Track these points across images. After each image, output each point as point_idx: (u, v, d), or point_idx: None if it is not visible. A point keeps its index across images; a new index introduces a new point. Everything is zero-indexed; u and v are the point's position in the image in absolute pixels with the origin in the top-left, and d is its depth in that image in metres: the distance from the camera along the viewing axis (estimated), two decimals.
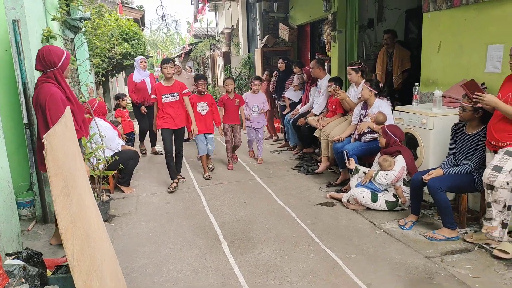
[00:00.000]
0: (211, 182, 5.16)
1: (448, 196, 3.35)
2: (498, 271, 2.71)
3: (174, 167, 4.94)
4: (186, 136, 5.61)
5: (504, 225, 2.98)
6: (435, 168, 3.38)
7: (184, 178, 5.29)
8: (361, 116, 4.43)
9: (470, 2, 3.97)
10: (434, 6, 4.50)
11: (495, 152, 2.93)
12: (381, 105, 4.29)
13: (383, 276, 2.72)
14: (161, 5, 15.12)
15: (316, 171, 5.20)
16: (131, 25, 8.76)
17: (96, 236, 1.78)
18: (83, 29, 4.58)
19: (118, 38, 6.46)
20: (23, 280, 1.62)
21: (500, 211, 2.90)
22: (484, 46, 3.83)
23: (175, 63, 8.79)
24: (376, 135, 4.21)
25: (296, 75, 6.88)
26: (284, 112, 6.90)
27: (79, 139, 3.04)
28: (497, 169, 2.80)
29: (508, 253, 2.83)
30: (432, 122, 3.71)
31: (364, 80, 4.61)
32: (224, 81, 5.73)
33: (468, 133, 3.26)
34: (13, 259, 1.81)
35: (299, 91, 6.69)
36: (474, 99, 2.94)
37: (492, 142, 2.95)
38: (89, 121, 4.23)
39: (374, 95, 4.34)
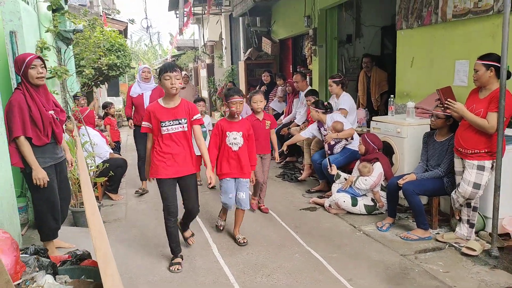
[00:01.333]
0: (200, 189, 5.30)
1: (422, 200, 3.63)
2: (466, 267, 2.97)
3: (178, 237, 3.21)
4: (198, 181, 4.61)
5: (471, 225, 3.27)
6: (409, 173, 3.66)
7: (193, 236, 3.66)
8: (323, 133, 4.73)
9: (438, 21, 4.34)
10: (407, 24, 4.87)
11: (461, 158, 3.22)
12: (333, 117, 4.61)
13: (363, 272, 2.94)
14: (146, 18, 15.25)
15: (299, 178, 5.44)
16: (117, 36, 8.89)
17: (104, 235, 1.93)
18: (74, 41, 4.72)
19: (104, 49, 6.57)
20: (37, 269, 1.75)
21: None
22: (452, 62, 4.18)
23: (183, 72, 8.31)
24: (344, 142, 4.49)
25: (280, 87, 7.16)
26: None
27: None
28: (477, 186, 3.09)
29: (475, 250, 3.10)
30: (406, 131, 4.01)
31: (343, 92, 4.92)
32: (250, 98, 4.07)
33: (438, 141, 3.56)
34: (22, 254, 1.93)
35: (283, 102, 6.97)
36: (445, 105, 3.21)
37: (459, 149, 3.24)
38: (78, 128, 4.34)
39: (322, 114, 4.65)
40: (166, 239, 3.18)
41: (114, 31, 8.95)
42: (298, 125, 5.95)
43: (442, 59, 4.35)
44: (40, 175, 2.79)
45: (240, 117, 3.51)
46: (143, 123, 3.00)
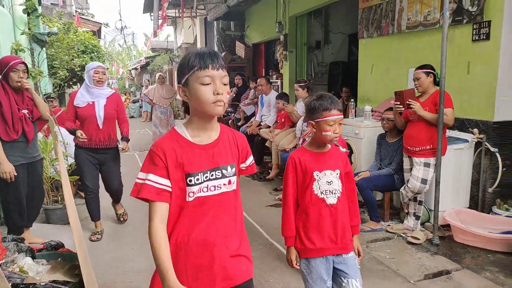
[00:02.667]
0: None
1: (377, 195, 3.98)
2: (410, 254, 3.31)
3: None
4: None
5: (417, 217, 3.63)
6: (364, 171, 4.00)
7: None
8: (304, 126, 5.02)
9: (394, 32, 4.73)
10: (367, 33, 5.25)
11: (409, 156, 3.59)
12: None
13: None
14: (120, 19, 15.21)
15: (267, 177, 5.73)
16: (90, 37, 8.93)
17: (80, 231, 2.13)
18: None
19: (78, 52, 6.64)
20: (17, 253, 1.92)
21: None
22: (406, 70, 4.57)
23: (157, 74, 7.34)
24: None
25: (252, 90, 7.45)
26: (239, 124, 7.41)
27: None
28: (424, 181, 3.47)
29: (419, 239, 3.46)
30: (363, 132, 4.36)
31: (308, 95, 5.23)
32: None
33: (390, 142, 3.92)
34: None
35: (253, 106, 7.25)
36: (407, 104, 3.54)
37: (408, 148, 3.60)
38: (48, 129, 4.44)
39: None
40: (136, 235, 3.36)
41: (87, 32, 8.99)
42: (269, 126, 6.24)
43: (397, 67, 4.74)
44: (7, 169, 2.93)
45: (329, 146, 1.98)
46: (151, 177, 1.32)
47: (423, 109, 3.42)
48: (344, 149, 3.12)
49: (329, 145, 1.96)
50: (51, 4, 11.05)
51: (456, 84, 3.83)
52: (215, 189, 1.39)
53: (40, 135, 4.29)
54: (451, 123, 3.39)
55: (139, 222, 4.23)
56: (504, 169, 3.60)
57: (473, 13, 3.66)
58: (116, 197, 4.12)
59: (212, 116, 1.36)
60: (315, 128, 1.93)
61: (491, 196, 3.70)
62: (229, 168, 1.41)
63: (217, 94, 1.29)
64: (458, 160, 3.67)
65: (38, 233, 3.58)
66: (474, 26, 3.67)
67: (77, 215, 2.28)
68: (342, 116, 1.92)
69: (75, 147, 3.68)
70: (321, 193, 1.90)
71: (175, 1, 8.97)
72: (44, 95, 5.41)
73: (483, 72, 3.64)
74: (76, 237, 1.80)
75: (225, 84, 1.33)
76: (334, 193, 1.91)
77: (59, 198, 4.08)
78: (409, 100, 3.51)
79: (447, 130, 3.66)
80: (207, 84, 1.29)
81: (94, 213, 3.87)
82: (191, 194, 1.36)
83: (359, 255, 2.01)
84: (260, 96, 6.63)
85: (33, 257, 2.06)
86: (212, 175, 1.38)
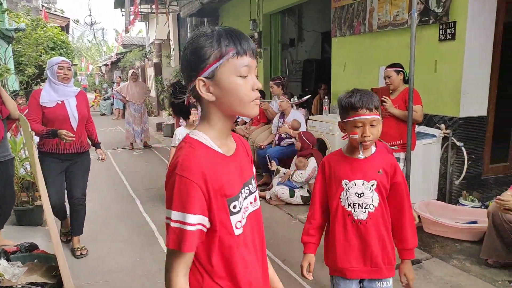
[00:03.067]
0: (145, 186, 5.44)
1: None
2: None
3: None
4: None
5: None
6: None
7: None
8: (280, 123, 5.10)
9: (366, 31, 4.86)
10: (340, 32, 5.37)
11: None
12: (296, 115, 5.00)
13: (296, 254, 3.30)
14: (90, 15, 14.80)
15: None
16: (59, 33, 8.66)
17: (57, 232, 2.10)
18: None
19: (46, 47, 6.42)
20: None
21: None
22: (377, 68, 4.71)
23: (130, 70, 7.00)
24: (292, 140, 4.89)
25: None
26: None
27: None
28: None
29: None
30: (337, 129, 4.46)
31: (282, 93, 5.30)
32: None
33: None
34: None
35: None
36: (381, 100, 3.66)
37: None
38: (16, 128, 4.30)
39: (290, 106, 5.03)
40: (113, 235, 3.32)
41: (56, 28, 8.70)
42: (245, 123, 6.27)
43: (368, 65, 4.88)
44: None
45: (372, 150, 1.70)
46: (190, 219, 0.96)
47: (393, 106, 3.55)
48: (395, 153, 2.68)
49: (372, 149, 1.66)
50: None
51: (424, 82, 3.99)
52: (246, 212, 1.08)
53: (7, 134, 4.15)
54: (420, 119, 3.54)
55: (114, 220, 4.18)
56: (469, 162, 3.81)
57: (439, 14, 3.82)
58: (76, 216, 3.38)
59: (235, 118, 1.10)
60: (345, 130, 1.68)
61: (458, 188, 3.90)
62: (253, 181, 1.13)
63: (256, 89, 1.02)
64: (427, 154, 3.84)
65: (9, 235, 3.46)
66: (441, 27, 3.84)
67: (52, 216, 2.24)
68: (376, 116, 1.59)
69: (39, 154, 3.10)
70: (349, 205, 1.65)
71: None
72: (12, 92, 5.21)
73: (449, 70, 3.82)
74: (54, 237, 1.78)
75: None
76: (365, 208, 1.64)
77: (30, 199, 3.96)
78: (384, 97, 3.64)
79: (416, 126, 3.81)
80: (245, 76, 0.99)
81: (75, 230, 3.40)
82: (238, 225, 1.03)
83: (408, 284, 1.70)
84: None
85: (8, 260, 2.01)
86: (245, 193, 1.08)
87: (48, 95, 3.17)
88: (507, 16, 3.92)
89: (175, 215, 0.95)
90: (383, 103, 3.58)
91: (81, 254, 3.32)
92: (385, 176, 1.64)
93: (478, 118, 3.88)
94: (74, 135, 3.12)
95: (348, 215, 1.66)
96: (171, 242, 0.96)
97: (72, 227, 3.41)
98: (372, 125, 1.59)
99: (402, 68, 3.57)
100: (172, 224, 0.96)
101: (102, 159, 3.53)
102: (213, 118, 1.04)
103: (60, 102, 3.20)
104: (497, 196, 2.79)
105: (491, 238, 2.90)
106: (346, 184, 1.65)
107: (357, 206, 1.65)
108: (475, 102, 3.83)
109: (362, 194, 1.64)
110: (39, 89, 3.28)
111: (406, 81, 3.53)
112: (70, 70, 3.23)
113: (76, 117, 3.24)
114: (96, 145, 3.57)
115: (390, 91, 3.69)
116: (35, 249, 2.33)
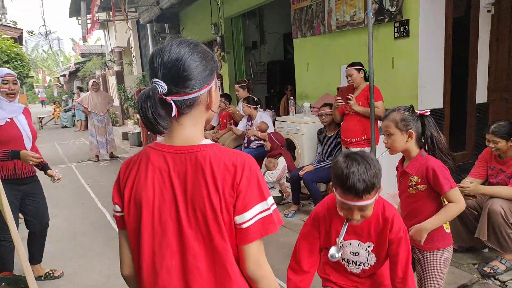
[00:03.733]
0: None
1: (321, 187, 4.18)
2: None
3: None
4: None
5: None
6: (308, 165, 4.19)
7: None
8: (248, 126, 5.14)
9: (326, 32, 4.99)
10: (301, 33, 5.48)
11: (347, 147, 3.83)
12: (263, 116, 5.06)
13: (271, 253, 3.34)
14: (44, 24, 14.25)
15: None
16: (12, 45, 8.30)
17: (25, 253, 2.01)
18: None
19: (1, 62, 6.13)
20: None
21: None
22: (338, 67, 4.85)
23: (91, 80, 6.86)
24: (261, 141, 4.94)
25: None
26: None
27: None
28: None
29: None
30: (304, 128, 4.56)
31: (242, 99, 5.33)
32: None
33: (329, 135, 4.15)
34: None
35: None
36: (346, 98, 3.75)
37: (345, 139, 3.84)
38: None
39: (253, 109, 5.07)
40: (83, 251, 3.19)
41: (8, 40, 8.33)
42: (213, 127, 6.26)
43: (330, 65, 5.02)
44: None
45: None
46: (269, 200, 1.06)
47: (357, 103, 3.67)
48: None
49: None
50: None
51: (384, 78, 4.15)
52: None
53: None
54: (382, 114, 3.68)
55: (83, 236, 4.05)
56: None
57: (393, 12, 4.00)
58: (41, 242, 3.16)
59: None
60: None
61: None
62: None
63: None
64: None
65: None
66: (395, 25, 4.01)
67: (19, 237, 2.15)
68: (367, 202, 1.39)
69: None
70: (342, 259, 1.61)
71: (104, 4, 8.62)
72: None
73: (406, 66, 4.00)
74: (23, 258, 1.71)
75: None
76: (359, 265, 1.60)
77: None
78: (350, 95, 3.75)
79: (379, 122, 3.96)
80: None
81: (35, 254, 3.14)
82: None
83: None
84: None
85: None
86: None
87: None
88: (456, 12, 4.15)
89: (269, 201, 1.04)
90: (348, 101, 3.70)
91: (60, 274, 3.17)
92: (381, 237, 1.52)
93: (435, 111, 4.07)
94: (40, 156, 2.81)
95: (342, 266, 1.63)
96: (263, 231, 1.03)
97: (32, 255, 3.10)
98: (361, 210, 1.42)
99: (362, 66, 3.70)
100: (267, 212, 1.03)
101: (58, 179, 3.05)
102: (202, 124, 1.11)
103: (9, 120, 2.83)
104: (457, 184, 2.95)
105: (454, 224, 3.05)
106: (341, 242, 1.53)
107: (351, 262, 1.61)
108: (431, 95, 4.02)
109: (357, 253, 1.58)
110: None
111: (366, 78, 3.66)
112: (16, 84, 2.87)
113: (30, 136, 2.92)
114: (44, 167, 3.03)
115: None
116: (3, 271, 2.22)
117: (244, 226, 1.01)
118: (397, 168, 2.03)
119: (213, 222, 1.00)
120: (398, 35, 4.01)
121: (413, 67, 3.93)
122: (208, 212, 0.99)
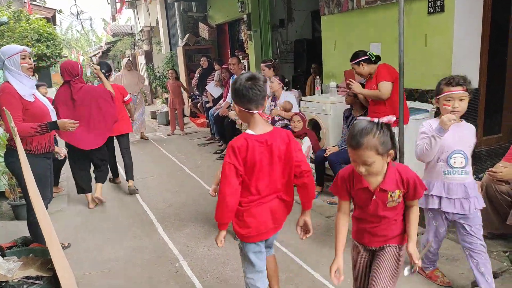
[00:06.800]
0: (142, 176, 5.43)
1: None
2: None
3: None
4: None
5: None
6: (333, 146, 4.11)
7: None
8: (272, 106, 5.07)
9: (354, 8, 4.79)
10: (329, 10, 5.29)
11: None
12: (287, 96, 4.97)
13: (293, 234, 3.33)
14: (75, 4, 14.51)
15: None
16: (45, 25, 8.48)
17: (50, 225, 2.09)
18: None
19: (32, 41, 6.30)
20: None
21: None
22: (367, 44, 4.66)
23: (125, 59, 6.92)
24: (285, 121, 4.87)
25: (217, 72, 7.38)
26: (208, 106, 7.37)
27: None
28: None
29: None
30: (329, 108, 4.45)
31: (274, 75, 5.25)
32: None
33: (355, 116, 4.03)
34: None
35: (219, 87, 7.21)
36: (347, 83, 3.67)
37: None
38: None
39: (281, 88, 4.99)
40: (112, 224, 3.33)
41: (41, 19, 8.52)
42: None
43: (359, 42, 4.82)
44: None
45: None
46: None
47: (371, 88, 3.54)
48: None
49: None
50: None
51: (415, 56, 3.96)
52: None
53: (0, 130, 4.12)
54: (384, 96, 3.47)
55: (112, 210, 4.19)
56: None
57: None
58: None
59: None
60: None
61: None
62: None
63: None
64: (419, 130, 3.83)
65: (6, 231, 3.49)
66: None
67: (45, 210, 2.24)
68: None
69: (29, 156, 2.47)
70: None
71: None
72: None
73: (440, 43, 3.78)
74: (46, 231, 1.78)
75: None
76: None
77: (25, 194, 3.95)
78: (350, 80, 3.63)
79: (409, 102, 3.80)
80: None
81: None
82: None
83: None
84: (231, 77, 6.58)
85: (3, 255, 2.02)
86: None
87: (22, 89, 2.77)
88: None
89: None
90: (349, 86, 3.59)
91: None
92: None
93: (470, 91, 3.86)
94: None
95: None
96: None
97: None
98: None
99: (360, 56, 3.53)
100: None
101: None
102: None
103: (33, 95, 2.89)
104: (490, 168, 2.80)
105: (485, 210, 2.92)
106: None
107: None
108: (467, 75, 3.79)
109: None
110: (5, 84, 2.77)
111: (374, 61, 3.51)
112: (31, 59, 2.90)
113: (53, 110, 3.03)
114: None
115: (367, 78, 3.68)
116: (31, 243, 2.34)
117: None
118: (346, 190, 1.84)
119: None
120: (432, 10, 3.78)
121: (447, 44, 3.71)
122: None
